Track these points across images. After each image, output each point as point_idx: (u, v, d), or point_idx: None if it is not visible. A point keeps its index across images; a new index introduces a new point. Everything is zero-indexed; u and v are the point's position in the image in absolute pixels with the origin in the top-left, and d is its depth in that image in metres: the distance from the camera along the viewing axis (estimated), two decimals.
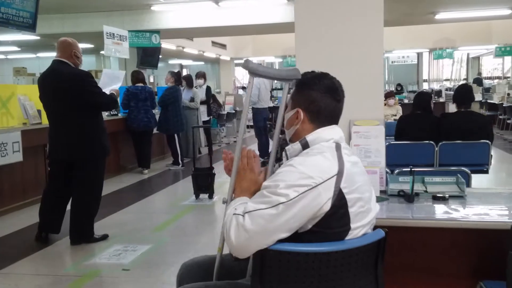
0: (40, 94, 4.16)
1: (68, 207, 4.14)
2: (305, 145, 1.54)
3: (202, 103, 8.77)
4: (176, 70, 8.56)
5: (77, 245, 4.00)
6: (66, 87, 3.90)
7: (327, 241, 1.42)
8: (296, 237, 1.42)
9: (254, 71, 1.61)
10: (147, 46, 9.85)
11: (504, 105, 11.08)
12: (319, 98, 1.55)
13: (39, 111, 5.63)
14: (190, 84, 8.55)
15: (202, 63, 21.59)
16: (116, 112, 7.51)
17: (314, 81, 1.56)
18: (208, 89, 9.40)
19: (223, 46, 17.18)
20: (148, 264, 3.57)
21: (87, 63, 19.41)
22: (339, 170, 1.42)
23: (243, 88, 19.76)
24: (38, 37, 12.48)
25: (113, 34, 8.18)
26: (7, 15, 6.45)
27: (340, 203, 1.40)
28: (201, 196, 5.64)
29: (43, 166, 5.72)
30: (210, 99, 9.61)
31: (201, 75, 9.23)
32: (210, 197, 5.63)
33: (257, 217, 1.39)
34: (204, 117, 8.98)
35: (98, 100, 4.04)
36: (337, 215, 1.41)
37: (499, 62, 19.62)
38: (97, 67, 19.27)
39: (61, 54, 4.00)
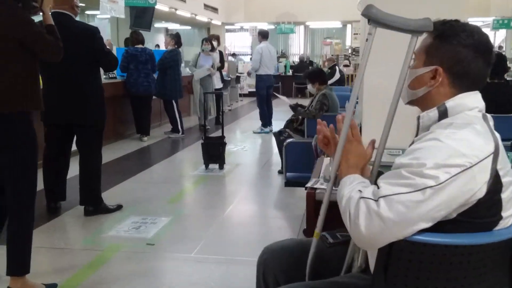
0: None
1: (72, 174, 3.88)
2: (443, 114, 1.27)
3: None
4: (174, 32, 8.05)
5: (91, 216, 3.74)
6: (78, 44, 3.54)
7: (473, 231, 1.20)
8: (435, 226, 1.19)
9: (378, 19, 1.30)
10: (142, 5, 9.31)
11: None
12: (469, 57, 1.25)
13: None
14: (212, 48, 8.13)
15: (189, 27, 20.92)
16: (114, 75, 7.11)
17: (465, 34, 1.25)
18: (221, 54, 8.84)
19: (215, 10, 16.59)
20: (173, 238, 3.35)
21: None
22: (495, 147, 1.18)
23: (234, 55, 19.27)
24: None
25: None
26: None
27: (495, 187, 1.17)
28: (211, 166, 5.39)
29: (41, 128, 5.35)
30: (224, 65, 9.17)
31: (216, 38, 8.69)
32: (221, 167, 5.39)
33: (397, 203, 1.14)
34: (218, 84, 8.55)
35: (106, 59, 3.74)
36: (489, 202, 1.17)
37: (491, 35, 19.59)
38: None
39: (61, 5, 3.59)
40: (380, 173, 1.35)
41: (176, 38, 7.58)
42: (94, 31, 3.66)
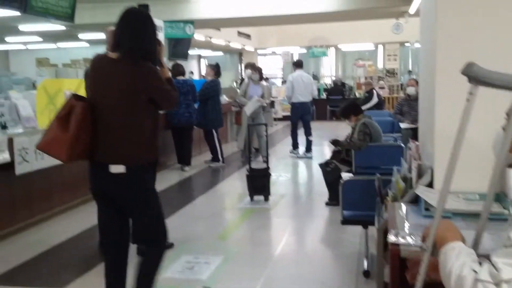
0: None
1: None
2: None
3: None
4: (214, 63, 8.12)
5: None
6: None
7: None
8: None
9: (479, 78, 1.22)
10: (181, 37, 9.50)
11: None
12: None
13: None
14: (261, 77, 8.01)
15: (222, 53, 21.21)
16: None
17: None
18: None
19: (248, 36, 16.80)
20: (229, 280, 3.28)
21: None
22: None
23: (266, 79, 19.37)
24: (64, 28, 12.20)
25: None
26: (46, 4, 6.15)
27: None
28: (256, 197, 5.34)
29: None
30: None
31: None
32: (266, 199, 5.32)
33: None
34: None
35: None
36: None
37: None
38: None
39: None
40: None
41: (216, 69, 7.64)
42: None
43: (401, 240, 1.71)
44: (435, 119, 2.27)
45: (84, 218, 4.86)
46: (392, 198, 2.44)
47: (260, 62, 21.37)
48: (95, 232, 4.19)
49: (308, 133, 8.38)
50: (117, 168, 2.38)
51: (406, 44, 16.70)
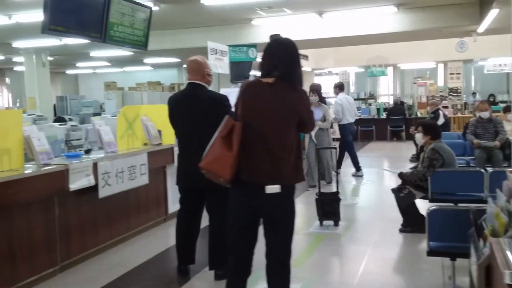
0: (172, 116, 3.95)
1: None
2: None
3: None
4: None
5: (221, 280, 3.75)
6: (206, 112, 3.70)
7: None
8: None
9: None
10: (244, 60, 9.67)
11: None
12: None
13: (159, 132, 5.55)
14: (320, 99, 7.66)
15: None
16: None
17: None
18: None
19: (305, 57, 16.86)
20: None
21: (171, 76, 19.88)
22: None
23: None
24: (132, 53, 12.81)
25: (216, 49, 8.08)
26: (123, 34, 6.50)
27: None
28: (325, 222, 5.28)
29: (163, 187, 5.62)
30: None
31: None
32: (336, 224, 5.25)
33: None
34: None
35: None
36: None
37: None
38: (178, 80, 19.67)
39: (194, 76, 3.80)
40: None
41: None
42: (222, 99, 3.80)
43: None
44: None
45: (157, 240, 5.02)
46: (492, 232, 2.34)
47: (317, 82, 21.37)
48: (170, 254, 4.31)
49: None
50: (273, 189, 2.48)
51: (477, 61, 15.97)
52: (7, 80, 19.53)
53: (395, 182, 7.17)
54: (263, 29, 9.31)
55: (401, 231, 4.96)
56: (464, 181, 4.76)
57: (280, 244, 2.64)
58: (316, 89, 7.87)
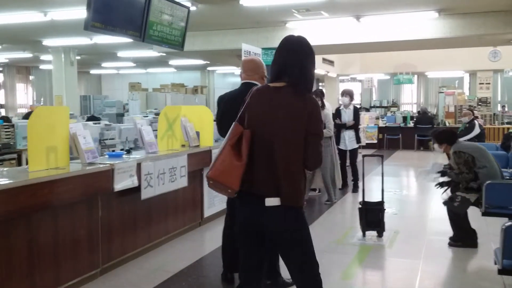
0: (223, 115, 3.75)
1: None
2: None
3: (349, 128, 7.63)
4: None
5: None
6: None
7: None
8: None
9: None
10: None
11: None
12: None
13: (197, 133, 5.41)
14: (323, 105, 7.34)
15: None
16: None
17: None
18: (356, 110, 7.82)
19: (331, 62, 16.68)
20: None
21: (194, 79, 19.85)
22: None
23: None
24: (159, 54, 12.76)
25: (249, 52, 7.94)
26: (162, 33, 6.40)
27: None
28: (367, 233, 5.07)
29: (199, 191, 5.48)
30: (359, 123, 8.04)
31: (347, 92, 7.86)
32: (380, 235, 5.04)
33: None
34: (352, 144, 7.71)
35: None
36: None
37: None
38: (201, 83, 19.63)
39: (251, 76, 3.63)
40: None
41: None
42: None
43: None
44: None
45: (195, 245, 4.89)
46: None
47: (340, 88, 21.16)
48: (212, 260, 4.15)
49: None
50: (273, 201, 2.26)
51: (508, 72, 15.58)
52: (32, 78, 19.69)
53: (428, 191, 6.94)
54: (297, 32, 8.97)
55: (450, 245, 4.73)
56: None
57: (296, 270, 2.35)
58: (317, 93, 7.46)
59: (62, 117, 3.70)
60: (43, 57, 14.60)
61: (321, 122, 2.42)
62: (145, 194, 4.22)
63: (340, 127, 7.60)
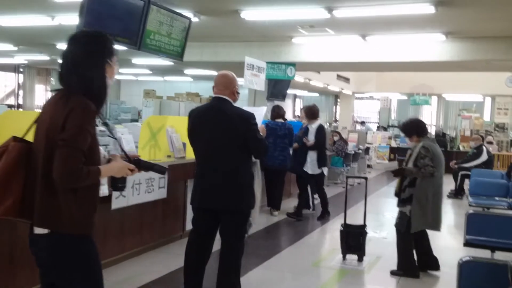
0: (193, 130, 3.72)
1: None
2: None
3: (311, 148, 6.78)
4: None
5: None
6: (230, 128, 3.48)
7: None
8: None
9: None
10: (281, 78, 9.52)
11: None
12: None
13: (184, 144, 5.38)
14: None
15: (317, 94, 21.11)
16: None
17: None
18: (320, 129, 6.82)
19: (346, 80, 16.55)
20: None
21: (210, 89, 19.96)
22: None
23: (362, 122, 18.88)
24: (172, 63, 12.86)
25: (253, 65, 7.92)
26: (159, 43, 6.43)
27: None
28: (348, 256, 4.93)
29: (182, 203, 5.44)
30: (324, 144, 7.03)
31: (304, 109, 7.17)
32: (360, 259, 4.89)
33: None
34: (313, 169, 6.78)
35: (257, 145, 3.58)
36: None
37: None
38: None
39: (222, 91, 3.59)
40: None
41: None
42: (249, 117, 3.57)
43: None
44: None
45: (170, 258, 4.81)
46: None
47: (357, 106, 20.98)
48: (179, 276, 4.08)
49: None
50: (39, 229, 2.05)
51: None
52: (52, 80, 20.12)
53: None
54: (304, 48, 9.09)
55: (392, 273, 4.54)
56: (503, 226, 4.35)
57: None
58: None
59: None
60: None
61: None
62: (116, 204, 4.20)
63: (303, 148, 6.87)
